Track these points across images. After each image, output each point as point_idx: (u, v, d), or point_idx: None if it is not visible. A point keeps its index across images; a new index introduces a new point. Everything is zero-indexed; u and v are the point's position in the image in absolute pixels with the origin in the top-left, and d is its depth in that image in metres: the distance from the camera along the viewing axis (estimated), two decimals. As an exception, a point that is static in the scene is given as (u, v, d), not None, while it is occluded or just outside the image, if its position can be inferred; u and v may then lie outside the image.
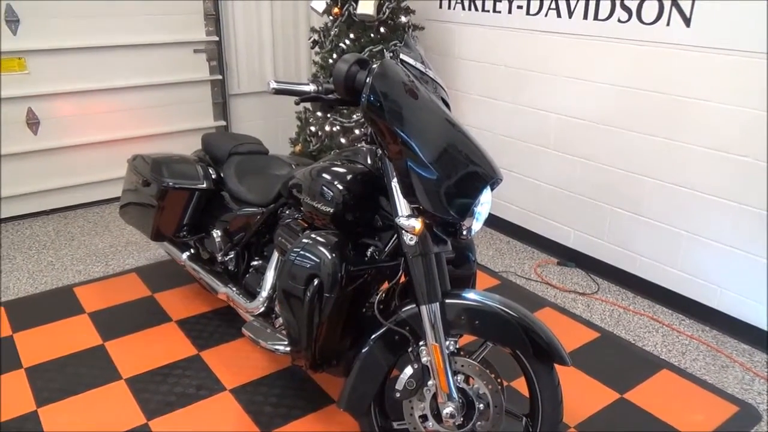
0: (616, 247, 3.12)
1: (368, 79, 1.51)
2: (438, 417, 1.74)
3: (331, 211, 1.86)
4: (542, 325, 1.71)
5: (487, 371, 1.75)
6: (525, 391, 1.77)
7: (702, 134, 2.63)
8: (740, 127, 2.49)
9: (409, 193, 1.58)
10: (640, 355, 2.56)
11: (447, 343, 1.69)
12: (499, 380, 1.76)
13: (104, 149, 3.92)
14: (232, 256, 2.50)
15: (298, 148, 3.69)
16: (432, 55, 3.78)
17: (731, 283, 2.68)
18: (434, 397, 1.74)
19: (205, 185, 2.54)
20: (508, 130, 3.49)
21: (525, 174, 3.47)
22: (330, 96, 1.69)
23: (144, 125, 4.03)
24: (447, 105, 1.76)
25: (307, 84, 1.66)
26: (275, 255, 2.27)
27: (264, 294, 2.27)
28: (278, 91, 1.64)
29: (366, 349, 1.78)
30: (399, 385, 1.76)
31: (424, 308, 1.67)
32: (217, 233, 2.52)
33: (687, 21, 2.57)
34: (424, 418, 1.78)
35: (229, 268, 2.52)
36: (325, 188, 1.89)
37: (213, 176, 2.58)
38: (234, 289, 2.44)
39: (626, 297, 3.04)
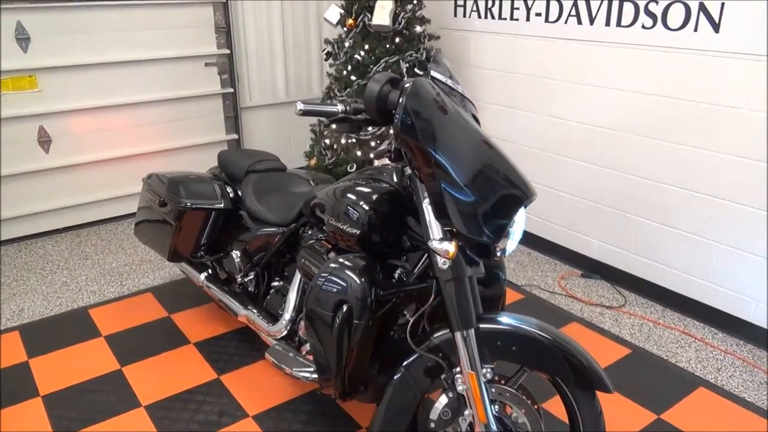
0: (643, 258, 3.03)
1: (401, 99, 1.45)
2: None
3: (358, 232, 1.79)
4: (582, 350, 1.64)
5: (525, 398, 1.67)
6: (561, 412, 1.69)
7: (732, 142, 2.55)
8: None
9: (442, 215, 1.52)
10: (674, 372, 2.48)
11: (484, 370, 1.61)
12: (537, 407, 1.69)
13: (116, 166, 3.87)
14: (251, 277, 2.44)
15: (313, 161, 3.63)
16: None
17: (765, 295, 2.59)
18: (470, 426, 1.66)
19: (223, 205, 2.48)
20: (528, 139, 3.42)
21: (546, 184, 3.39)
22: (359, 116, 1.63)
23: (156, 141, 3.98)
24: (477, 121, 1.70)
25: (335, 105, 1.59)
26: (297, 276, 2.20)
27: (287, 316, 2.20)
28: (306, 113, 1.57)
29: (398, 375, 1.71)
30: (434, 415, 1.69)
31: (458, 335, 1.60)
32: (236, 254, 2.46)
33: (716, 26, 2.49)
34: (460, 448, 1.70)
35: (249, 289, 2.46)
36: (350, 209, 1.82)
37: (231, 195, 2.52)
38: (254, 311, 2.37)
39: (655, 310, 2.95)
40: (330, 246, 2.01)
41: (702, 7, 2.52)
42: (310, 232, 2.18)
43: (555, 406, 1.91)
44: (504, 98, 3.50)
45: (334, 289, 1.71)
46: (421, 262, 1.82)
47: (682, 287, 2.90)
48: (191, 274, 2.71)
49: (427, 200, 1.59)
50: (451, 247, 1.53)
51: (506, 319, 1.67)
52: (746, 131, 2.49)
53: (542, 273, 3.33)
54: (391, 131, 1.64)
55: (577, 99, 3.10)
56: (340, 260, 1.75)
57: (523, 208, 1.56)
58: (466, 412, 1.65)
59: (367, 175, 1.95)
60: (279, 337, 2.22)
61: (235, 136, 4.31)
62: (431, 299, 1.72)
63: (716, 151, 2.61)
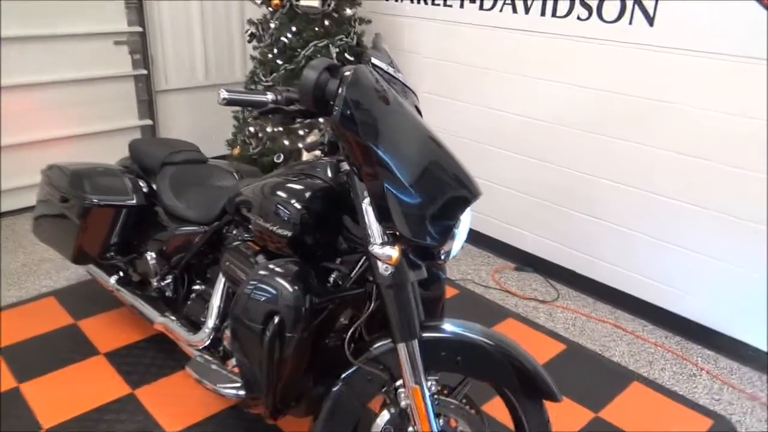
0: (574, 251, 3.03)
1: (341, 88, 1.29)
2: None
3: (289, 234, 1.63)
4: (529, 356, 1.57)
5: (470, 409, 1.59)
6: (504, 415, 1.62)
7: (665, 137, 2.56)
8: (705, 130, 2.43)
9: (384, 218, 1.38)
10: (609, 367, 2.48)
11: (428, 383, 1.50)
12: (481, 416, 1.60)
13: (13, 154, 3.47)
14: (169, 280, 2.21)
15: (236, 151, 3.40)
16: (379, 51, 3.57)
17: (693, 288, 2.63)
18: (413, 444, 1.55)
19: (135, 201, 2.23)
20: (461, 130, 3.33)
21: (480, 176, 3.29)
22: (293, 107, 1.45)
23: (58, 126, 3.60)
24: (419, 113, 1.57)
25: (265, 94, 1.41)
26: (221, 280, 2.00)
27: (210, 324, 2.00)
28: (230, 102, 1.39)
29: (336, 388, 1.56)
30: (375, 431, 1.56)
31: (401, 346, 1.48)
32: (150, 255, 2.22)
33: (650, 20, 2.47)
34: (402, 465, 1.58)
35: (166, 294, 2.23)
36: (280, 208, 1.66)
37: (144, 190, 2.27)
38: (173, 318, 2.15)
39: (587, 303, 2.96)
40: (258, 248, 1.83)
41: (637, 1, 2.49)
42: (235, 231, 1.99)
43: (498, 409, 1.84)
44: (438, 87, 3.39)
45: (264, 299, 1.54)
46: (359, 266, 1.68)
47: (612, 279, 2.92)
48: (100, 276, 2.44)
49: (366, 200, 1.45)
50: (394, 252, 1.41)
51: (450, 327, 1.57)
52: (679, 126, 2.50)
53: (476, 266, 3.27)
54: (326, 122, 1.48)
55: (513, 90, 3.04)
56: (270, 266, 1.58)
57: (468, 208, 1.46)
58: (410, 429, 1.53)
59: (297, 170, 1.78)
60: (201, 347, 2.02)
61: (150, 122, 3.98)
62: (370, 305, 1.59)
63: (648, 146, 2.62)
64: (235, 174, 2.38)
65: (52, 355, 2.37)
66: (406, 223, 1.36)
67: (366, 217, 1.45)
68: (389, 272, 1.46)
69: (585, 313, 2.88)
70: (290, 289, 1.52)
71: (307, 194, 1.65)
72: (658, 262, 2.72)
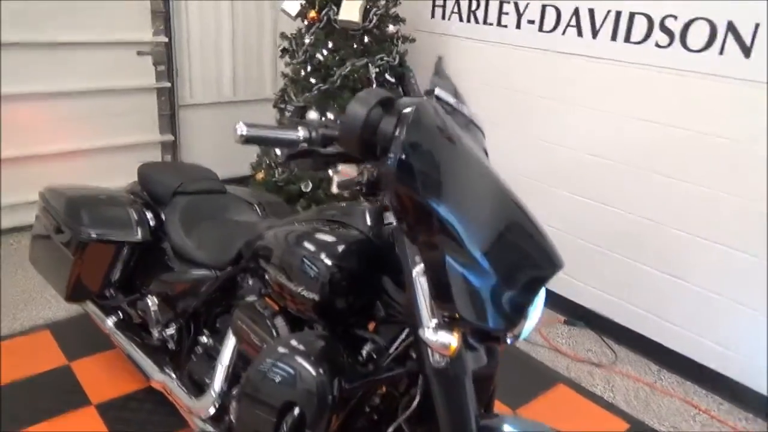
0: (635, 308, 2.65)
1: (399, 130, 0.97)
2: None
3: (316, 298, 1.32)
4: None
5: None
6: None
7: (751, 186, 2.19)
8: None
9: (442, 297, 1.06)
10: (683, 457, 2.09)
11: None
12: None
13: (21, 167, 3.22)
14: (172, 330, 1.90)
15: (260, 175, 3.10)
16: (422, 71, 3.26)
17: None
18: None
19: (139, 237, 1.93)
20: (509, 162, 2.98)
21: (528, 216, 2.97)
22: (330, 149, 1.14)
23: (74, 138, 3.35)
24: (486, 154, 1.25)
25: (295, 129, 1.10)
26: (230, 337, 1.69)
27: (216, 388, 1.68)
28: (250, 140, 1.08)
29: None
30: None
31: (451, 457, 1.14)
32: (152, 300, 1.92)
33: (747, 51, 2.12)
34: None
35: (168, 345, 1.92)
36: (307, 264, 1.35)
37: (151, 223, 1.98)
38: (174, 376, 1.84)
39: (650, 371, 2.57)
40: (277, 308, 1.51)
41: (730, 27, 2.14)
42: (251, 281, 1.68)
43: None
44: (484, 114, 3.05)
45: (281, 384, 1.22)
46: (400, 339, 1.35)
47: (680, 345, 2.53)
48: (96, 316, 2.15)
49: (419, 269, 1.12)
50: (453, 340, 1.08)
51: (511, 429, 1.23)
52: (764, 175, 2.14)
53: (520, 317, 2.90)
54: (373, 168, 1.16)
55: (572, 122, 2.70)
56: (292, 343, 1.25)
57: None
58: None
59: (329, 214, 1.47)
60: (205, 417, 1.70)
61: (171, 137, 3.72)
62: (414, 399, 1.25)
63: (733, 195, 2.25)
64: (256, 207, 2.08)
65: (37, 403, 2.08)
66: (471, 304, 1.03)
67: (417, 291, 1.13)
68: (443, 363, 1.13)
69: (648, 382, 2.49)
70: (314, 375, 1.20)
71: (340, 248, 1.34)
72: (740, 330, 2.33)
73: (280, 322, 1.47)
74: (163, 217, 1.99)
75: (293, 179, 2.90)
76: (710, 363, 2.44)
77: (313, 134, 1.10)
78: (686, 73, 2.28)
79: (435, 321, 1.10)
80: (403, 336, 1.34)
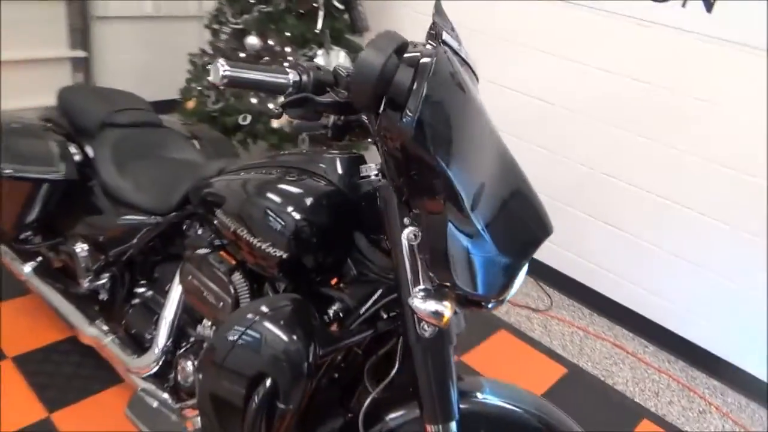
0: (573, 255, 2.72)
1: (419, 84, 0.84)
2: None
3: (283, 255, 1.19)
4: (573, 425, 1.24)
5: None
6: None
7: (700, 142, 2.23)
8: (750, 140, 2.12)
9: (438, 264, 0.97)
10: (616, 400, 2.20)
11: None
12: None
13: None
14: (105, 279, 1.71)
15: (190, 104, 2.83)
16: None
17: (703, 310, 2.37)
18: None
19: (62, 174, 1.69)
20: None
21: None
22: (325, 99, 0.99)
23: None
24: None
25: (284, 72, 0.94)
26: (176, 289, 1.54)
27: (159, 345, 1.54)
28: (232, 82, 0.91)
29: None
30: None
31: (432, 429, 1.09)
32: (81, 247, 1.71)
33: (709, 6, 2.10)
34: None
35: (100, 296, 1.74)
36: (272, 217, 1.22)
37: (77, 158, 1.74)
38: (107, 329, 1.68)
39: (583, 315, 2.67)
40: (233, 261, 1.37)
41: (696, -21, 2.11)
42: (200, 230, 1.52)
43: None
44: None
45: (253, 354, 1.10)
46: (372, 301, 1.26)
47: (612, 291, 2.63)
48: (11, 261, 1.90)
49: (408, 232, 1.03)
50: (446, 310, 1.01)
51: (490, 396, 1.21)
52: (718, 132, 2.18)
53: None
54: (371, 123, 1.03)
55: (529, 67, 2.62)
56: (263, 309, 1.13)
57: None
58: None
59: (291, 161, 1.33)
60: (146, 374, 1.56)
61: (83, 53, 3.31)
62: (393, 371, 1.19)
63: (678, 149, 2.29)
64: (195, 142, 1.89)
65: (-58, 357, 1.85)
66: (468, 273, 0.96)
67: (405, 256, 1.04)
68: (430, 333, 1.06)
69: (582, 326, 2.58)
70: (287, 342, 1.09)
71: (310, 200, 1.22)
72: (667, 278, 2.44)
73: (237, 278, 1.34)
74: (91, 152, 1.75)
75: (229, 110, 2.66)
76: (636, 307, 2.56)
77: (305, 78, 0.94)
78: (649, 24, 2.25)
79: (423, 288, 1.02)
80: (376, 296, 1.26)
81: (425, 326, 1.06)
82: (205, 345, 1.22)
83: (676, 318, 2.46)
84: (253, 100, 2.65)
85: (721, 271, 2.29)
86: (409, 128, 0.84)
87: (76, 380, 1.85)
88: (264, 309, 1.12)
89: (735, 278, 2.26)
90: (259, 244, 1.23)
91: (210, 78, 0.90)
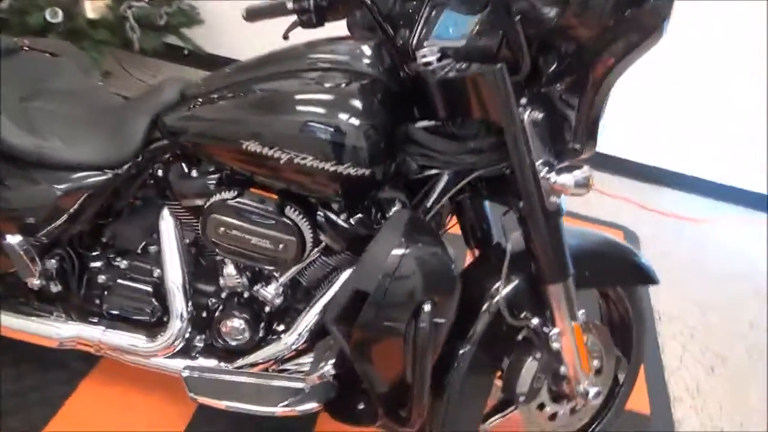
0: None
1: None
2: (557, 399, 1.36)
3: (366, 173, 1.07)
4: (630, 248, 1.47)
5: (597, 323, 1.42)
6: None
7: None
8: None
9: (586, 132, 1.01)
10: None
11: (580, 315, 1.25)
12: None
13: None
14: (54, 265, 1.32)
15: None
16: None
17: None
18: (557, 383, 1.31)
19: None
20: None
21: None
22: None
23: None
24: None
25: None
26: (171, 248, 1.27)
27: (179, 314, 1.29)
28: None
29: (466, 351, 1.19)
30: (522, 388, 1.28)
31: (554, 288, 1.17)
32: (15, 240, 1.25)
33: None
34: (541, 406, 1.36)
35: (52, 288, 1.34)
36: (332, 130, 1.06)
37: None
38: (96, 320, 1.34)
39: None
40: (273, 196, 1.17)
41: None
42: (194, 173, 1.23)
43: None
44: None
45: (413, 286, 1.01)
46: (436, 193, 1.21)
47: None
48: None
49: (530, 112, 1.01)
50: (590, 177, 1.05)
51: (570, 239, 1.31)
52: None
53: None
54: None
55: None
56: (402, 240, 1.01)
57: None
58: (562, 369, 1.28)
59: (316, 58, 1.14)
60: (171, 353, 1.32)
61: None
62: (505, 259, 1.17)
63: None
64: (73, 65, 1.43)
65: None
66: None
67: (529, 135, 1.02)
68: (557, 204, 1.10)
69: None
70: (443, 263, 1.05)
71: (373, 103, 1.10)
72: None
73: (291, 212, 1.15)
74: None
75: (26, 7, 1.98)
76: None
77: None
78: None
79: (556, 162, 1.04)
80: (443, 184, 1.20)
81: (554, 198, 1.08)
82: (336, 293, 1.07)
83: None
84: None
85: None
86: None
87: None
88: (403, 239, 1.01)
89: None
90: (333, 168, 1.06)
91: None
